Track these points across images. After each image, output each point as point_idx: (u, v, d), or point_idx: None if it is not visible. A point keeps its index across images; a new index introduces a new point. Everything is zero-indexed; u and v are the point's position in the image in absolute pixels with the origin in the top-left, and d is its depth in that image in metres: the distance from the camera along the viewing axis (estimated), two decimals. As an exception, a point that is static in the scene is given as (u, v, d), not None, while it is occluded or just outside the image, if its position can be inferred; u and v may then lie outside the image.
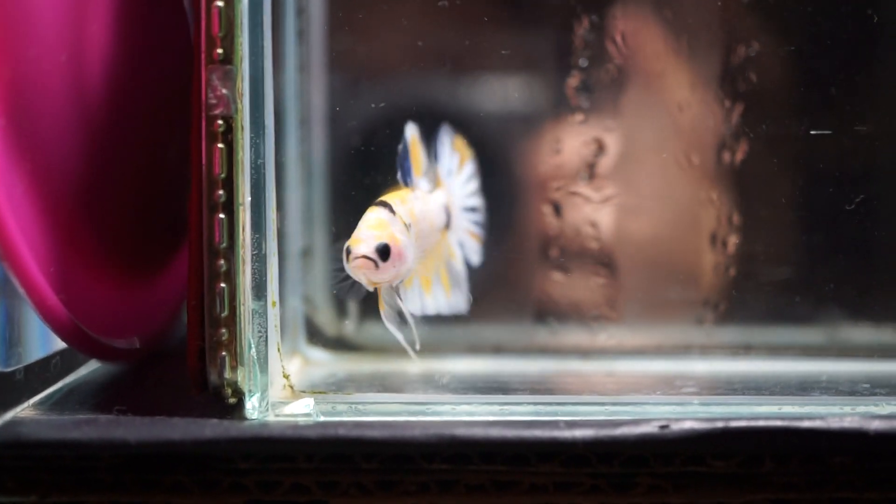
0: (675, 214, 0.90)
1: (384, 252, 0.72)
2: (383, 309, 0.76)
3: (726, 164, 0.88)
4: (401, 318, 0.76)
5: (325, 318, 0.90)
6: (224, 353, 0.70)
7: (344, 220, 0.90)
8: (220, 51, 0.69)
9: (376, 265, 0.72)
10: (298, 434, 0.67)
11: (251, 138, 0.70)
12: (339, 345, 0.90)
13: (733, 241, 0.89)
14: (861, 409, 0.72)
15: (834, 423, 0.67)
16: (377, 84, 0.91)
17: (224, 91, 0.69)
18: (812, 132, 0.85)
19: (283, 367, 0.73)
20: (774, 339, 0.89)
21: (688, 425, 0.67)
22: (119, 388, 0.80)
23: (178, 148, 0.74)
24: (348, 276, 0.74)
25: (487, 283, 0.86)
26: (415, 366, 0.85)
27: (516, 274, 0.91)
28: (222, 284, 0.70)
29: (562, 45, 0.89)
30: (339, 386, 0.81)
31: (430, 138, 0.82)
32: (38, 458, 0.68)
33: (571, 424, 0.67)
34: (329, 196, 0.90)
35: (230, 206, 0.70)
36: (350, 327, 0.90)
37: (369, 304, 0.90)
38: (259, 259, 0.71)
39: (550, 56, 0.89)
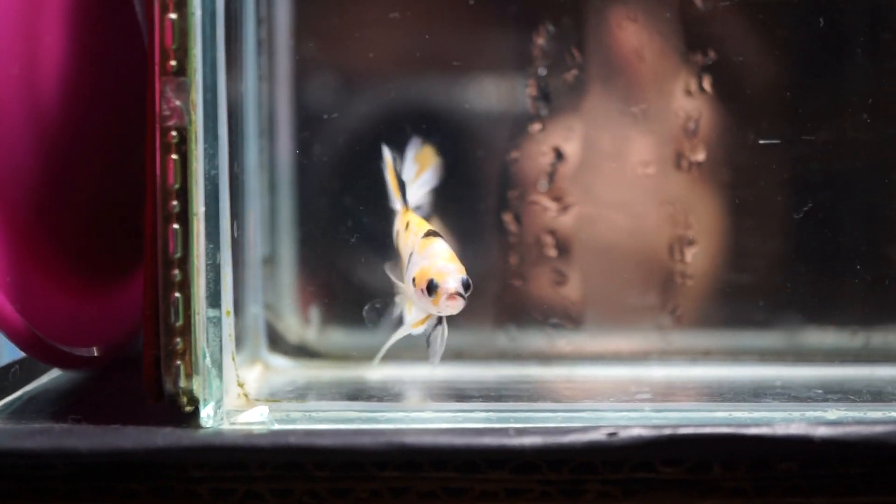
0: (632, 221, 0.91)
1: (468, 286, 0.73)
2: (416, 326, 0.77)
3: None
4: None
5: (287, 326, 0.91)
6: (179, 362, 0.71)
7: (308, 228, 0.92)
8: (173, 62, 0.70)
9: (465, 300, 0.73)
10: (250, 442, 0.68)
11: (205, 149, 0.70)
12: (301, 352, 0.90)
13: (691, 247, 0.90)
14: (810, 414, 0.73)
15: (780, 430, 0.68)
16: (342, 92, 0.92)
17: (178, 103, 0.70)
18: (761, 141, 0.86)
19: (237, 375, 0.74)
20: (733, 344, 0.90)
21: (636, 432, 0.68)
22: (77, 397, 0.80)
23: (137, 159, 0.75)
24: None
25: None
26: (375, 373, 0.86)
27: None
28: (177, 294, 0.71)
29: (521, 51, 0.90)
30: (298, 393, 0.81)
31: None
32: (-7, 467, 0.69)
33: (520, 432, 0.68)
34: (293, 204, 0.91)
35: (184, 217, 0.70)
36: (312, 333, 0.91)
37: (333, 311, 0.92)
38: (213, 269, 0.71)
39: (509, 62, 0.90)
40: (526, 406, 0.75)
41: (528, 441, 0.68)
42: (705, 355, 0.90)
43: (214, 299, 0.72)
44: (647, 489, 0.70)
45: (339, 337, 0.91)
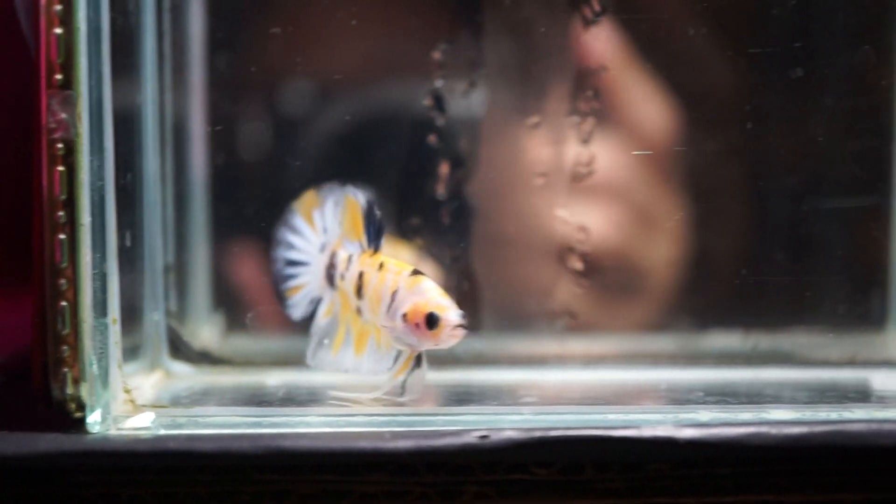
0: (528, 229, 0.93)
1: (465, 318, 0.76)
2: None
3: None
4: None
5: (190, 333, 0.92)
6: (66, 369, 0.72)
7: (212, 236, 0.93)
8: (59, 76, 0.71)
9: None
10: (131, 447, 0.69)
11: (91, 161, 0.72)
12: (203, 358, 0.92)
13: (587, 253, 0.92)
14: (683, 416, 0.75)
15: (647, 432, 0.71)
16: (249, 102, 0.93)
17: (64, 115, 0.72)
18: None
19: (124, 382, 0.75)
20: (627, 347, 0.93)
21: (507, 435, 0.70)
22: (-28, 405, 0.82)
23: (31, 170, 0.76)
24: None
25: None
26: (272, 379, 0.88)
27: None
28: (63, 303, 0.72)
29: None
30: (194, 399, 0.83)
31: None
32: None
33: (396, 436, 0.70)
34: (198, 213, 0.93)
35: (71, 227, 0.72)
36: (215, 340, 0.93)
37: (235, 316, 0.93)
38: (100, 278, 0.73)
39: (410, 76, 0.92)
40: (408, 411, 0.77)
41: (402, 444, 0.70)
42: (600, 359, 0.92)
43: (101, 308, 0.73)
44: (523, 490, 0.72)
45: (242, 343, 0.93)
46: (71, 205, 0.72)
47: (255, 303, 0.93)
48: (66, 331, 0.72)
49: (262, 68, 0.93)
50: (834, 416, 0.75)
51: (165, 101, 0.90)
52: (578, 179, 0.91)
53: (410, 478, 0.71)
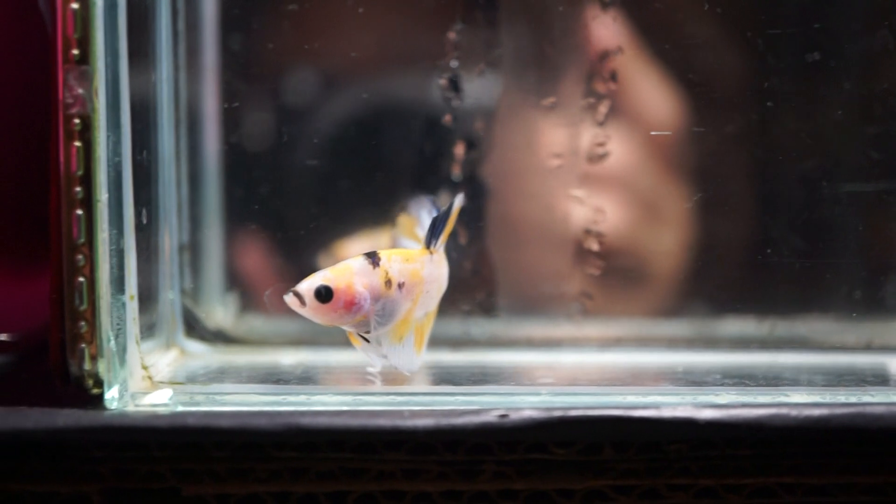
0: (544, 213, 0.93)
1: (322, 294, 0.75)
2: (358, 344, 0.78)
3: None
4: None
5: (205, 312, 0.92)
6: (84, 346, 0.72)
7: (228, 216, 0.93)
8: (75, 51, 0.71)
9: (302, 304, 0.75)
10: (150, 423, 0.69)
11: (108, 137, 0.72)
12: (217, 337, 0.92)
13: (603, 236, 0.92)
14: (701, 398, 0.75)
15: (666, 412, 0.70)
16: (267, 83, 0.93)
17: (80, 91, 0.71)
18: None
19: (142, 358, 0.75)
20: (642, 331, 0.93)
21: (527, 414, 0.70)
22: (-11, 381, 0.82)
23: (45, 147, 0.76)
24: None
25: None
26: (287, 358, 0.88)
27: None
28: (81, 279, 0.72)
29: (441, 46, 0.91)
30: (210, 377, 0.83)
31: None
32: None
33: (415, 414, 0.70)
34: (214, 193, 0.93)
35: (88, 203, 0.72)
36: (230, 319, 0.93)
37: (250, 297, 0.93)
38: (117, 254, 0.73)
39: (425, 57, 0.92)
40: (425, 389, 0.76)
41: (421, 422, 0.69)
42: (616, 342, 0.92)
43: (118, 284, 0.73)
44: (542, 470, 0.72)
45: (256, 323, 0.93)
46: (88, 181, 0.71)
47: (266, 284, 0.92)
48: (84, 307, 0.72)
49: (276, 48, 0.93)
50: (853, 398, 0.75)
51: (180, 80, 0.90)
52: (594, 161, 0.91)
53: (429, 456, 0.71)
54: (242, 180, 0.93)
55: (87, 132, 0.71)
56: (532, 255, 0.93)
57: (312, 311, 0.75)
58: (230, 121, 0.92)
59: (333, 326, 0.77)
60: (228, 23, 0.92)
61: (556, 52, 0.91)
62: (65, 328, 0.72)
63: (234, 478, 0.71)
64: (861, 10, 0.90)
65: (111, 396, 0.73)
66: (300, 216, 0.93)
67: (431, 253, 0.79)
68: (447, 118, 0.91)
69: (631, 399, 0.75)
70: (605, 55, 0.90)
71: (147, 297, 0.82)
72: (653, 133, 0.88)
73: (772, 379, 0.82)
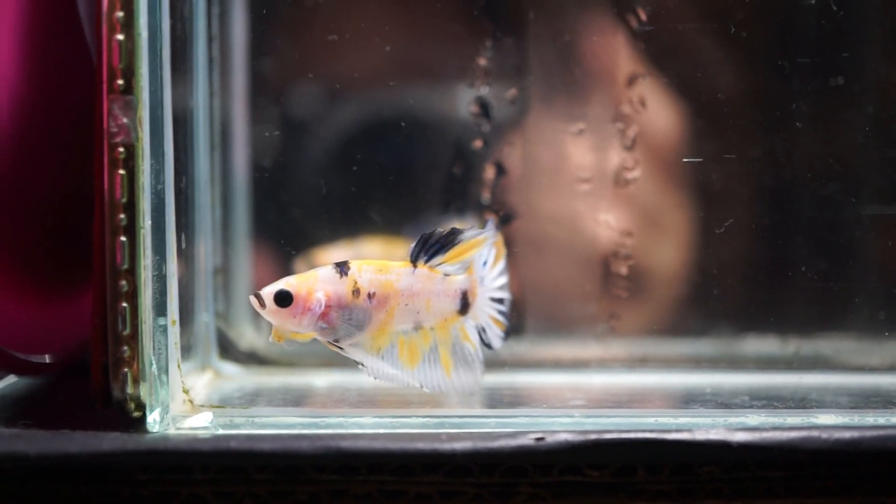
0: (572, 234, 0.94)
1: (282, 298, 0.77)
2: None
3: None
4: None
5: (237, 334, 0.94)
6: (126, 370, 0.74)
7: (259, 239, 0.95)
8: (120, 81, 0.73)
9: (262, 305, 0.77)
10: (193, 447, 0.71)
11: (151, 165, 0.73)
12: (251, 359, 0.93)
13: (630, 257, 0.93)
14: (732, 420, 0.76)
15: (700, 435, 0.72)
16: (296, 107, 0.95)
17: (125, 120, 0.73)
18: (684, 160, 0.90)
19: (183, 382, 0.77)
20: (668, 352, 0.94)
21: (562, 437, 0.71)
22: (30, 403, 0.83)
23: (87, 173, 0.78)
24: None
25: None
26: (320, 380, 0.89)
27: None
28: (124, 304, 0.73)
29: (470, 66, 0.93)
30: (246, 399, 0.84)
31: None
32: (-57, 471, 0.71)
33: (452, 437, 0.71)
34: (245, 216, 0.94)
35: (132, 230, 0.73)
36: (262, 341, 0.94)
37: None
38: (160, 279, 0.74)
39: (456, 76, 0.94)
40: (461, 412, 0.78)
41: (459, 446, 0.71)
42: (642, 363, 0.93)
43: (161, 309, 0.74)
44: (576, 492, 0.73)
45: (286, 344, 0.94)
46: (131, 208, 0.73)
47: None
48: (127, 331, 0.73)
49: (305, 73, 0.94)
50: (882, 420, 0.76)
51: (214, 105, 0.92)
52: (621, 185, 0.92)
53: (465, 478, 0.73)
54: (273, 202, 0.94)
55: (130, 160, 0.73)
56: (560, 276, 0.94)
57: (271, 315, 0.77)
58: (261, 144, 0.94)
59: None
60: (258, 47, 0.94)
61: (585, 76, 0.92)
62: (107, 352, 0.74)
63: (275, 500, 0.72)
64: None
65: (153, 420, 0.74)
66: (329, 238, 0.94)
67: (415, 267, 0.80)
68: (477, 143, 0.93)
69: (664, 421, 0.76)
70: (633, 79, 0.92)
71: (184, 320, 0.83)
72: (685, 160, 0.90)
73: (799, 400, 0.83)
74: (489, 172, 0.93)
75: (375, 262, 0.79)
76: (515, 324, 0.93)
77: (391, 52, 0.93)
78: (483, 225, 0.82)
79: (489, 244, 0.81)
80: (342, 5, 0.93)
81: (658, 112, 0.92)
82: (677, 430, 0.72)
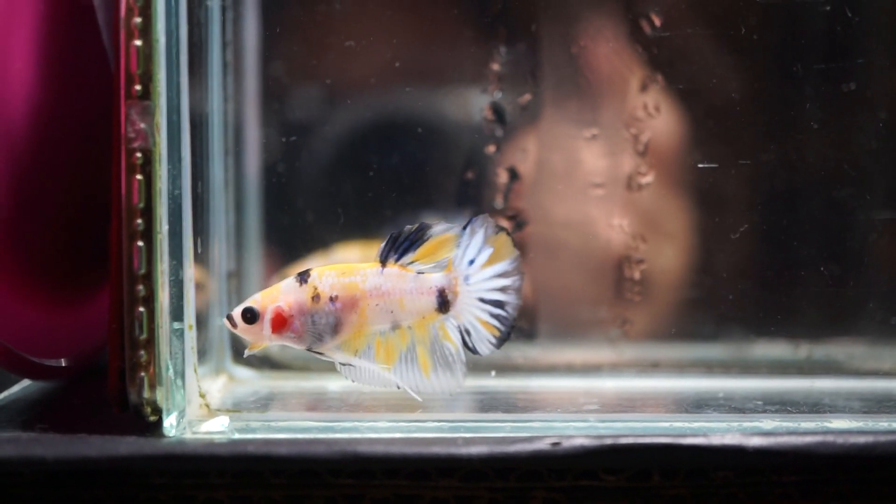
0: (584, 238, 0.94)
1: (247, 316, 0.78)
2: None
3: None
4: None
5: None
6: (143, 374, 0.74)
7: (273, 243, 0.95)
8: (138, 87, 0.73)
9: (234, 325, 0.78)
10: (210, 451, 0.71)
11: (169, 170, 0.74)
12: (264, 363, 0.93)
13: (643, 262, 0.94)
14: (747, 425, 0.76)
15: (715, 440, 0.72)
16: (309, 112, 0.95)
17: (142, 125, 0.73)
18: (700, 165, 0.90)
19: (199, 386, 0.77)
20: (680, 356, 0.94)
21: (578, 442, 0.71)
22: (46, 407, 0.83)
23: (103, 177, 0.78)
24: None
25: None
26: (333, 384, 0.89)
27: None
28: (141, 309, 0.74)
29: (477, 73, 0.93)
30: (261, 404, 0.85)
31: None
32: (-39, 475, 0.72)
33: (468, 442, 0.71)
34: (259, 220, 0.95)
35: (149, 235, 0.73)
36: (278, 345, 0.94)
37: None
38: (177, 284, 0.75)
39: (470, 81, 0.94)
40: (476, 416, 0.78)
41: (475, 450, 0.71)
42: (654, 367, 0.94)
43: (178, 313, 0.75)
44: (591, 497, 0.73)
45: (301, 350, 0.94)
46: (149, 213, 0.73)
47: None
48: (144, 336, 0.74)
49: (319, 77, 0.95)
50: (896, 425, 0.77)
51: (228, 109, 0.92)
52: (634, 190, 0.93)
53: (481, 483, 0.73)
54: (285, 206, 0.95)
55: (148, 166, 0.73)
56: (573, 280, 0.95)
57: (243, 332, 0.79)
58: (273, 148, 0.94)
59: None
60: (271, 51, 0.94)
61: (598, 81, 0.93)
62: (124, 356, 0.74)
63: (291, 504, 0.73)
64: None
65: (169, 424, 0.74)
66: (341, 239, 0.95)
67: (384, 266, 0.79)
68: (491, 148, 0.93)
69: (678, 425, 0.76)
70: (646, 84, 0.92)
71: (199, 324, 0.84)
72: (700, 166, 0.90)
73: (812, 405, 0.83)
74: (502, 177, 0.93)
75: (340, 266, 0.80)
76: (522, 330, 0.93)
77: (405, 57, 0.93)
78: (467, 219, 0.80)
79: (466, 238, 0.79)
80: (356, 11, 0.93)
81: (670, 117, 0.92)
82: (692, 435, 0.72)
